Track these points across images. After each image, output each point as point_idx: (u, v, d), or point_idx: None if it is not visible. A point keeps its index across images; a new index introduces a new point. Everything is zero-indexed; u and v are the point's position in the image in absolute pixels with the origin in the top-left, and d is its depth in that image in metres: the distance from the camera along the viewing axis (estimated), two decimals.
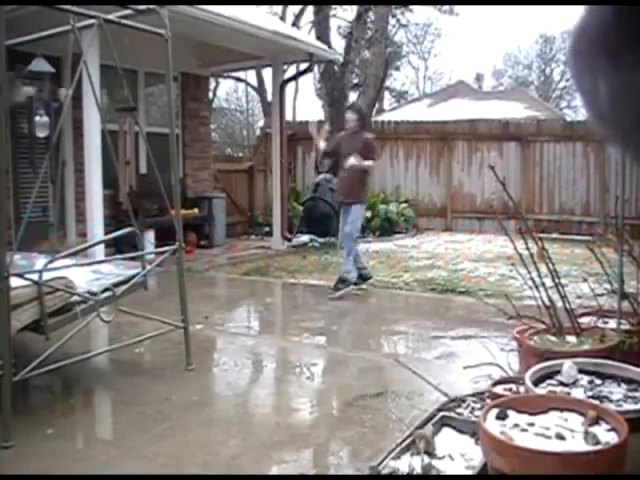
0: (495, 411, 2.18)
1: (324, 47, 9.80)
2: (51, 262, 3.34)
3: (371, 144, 6.20)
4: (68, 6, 3.56)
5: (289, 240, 9.70)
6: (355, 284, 6.30)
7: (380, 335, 4.98)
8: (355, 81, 15.15)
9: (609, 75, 0.41)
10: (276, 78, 9.62)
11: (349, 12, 18.84)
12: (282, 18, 19.23)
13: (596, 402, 2.23)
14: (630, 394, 2.35)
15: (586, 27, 0.43)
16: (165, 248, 4.15)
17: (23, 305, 3.02)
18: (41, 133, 6.20)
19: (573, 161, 11.15)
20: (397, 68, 28.67)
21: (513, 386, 2.84)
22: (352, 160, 5.91)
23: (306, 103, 42.92)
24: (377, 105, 17.79)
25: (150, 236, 7.96)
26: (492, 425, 2.09)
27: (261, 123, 22.19)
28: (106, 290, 3.53)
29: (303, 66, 10.18)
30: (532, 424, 2.10)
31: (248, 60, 9.86)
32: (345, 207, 6.25)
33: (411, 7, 22.65)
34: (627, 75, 0.40)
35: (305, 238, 10.11)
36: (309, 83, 34.55)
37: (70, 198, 7.87)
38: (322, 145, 6.33)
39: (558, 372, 2.52)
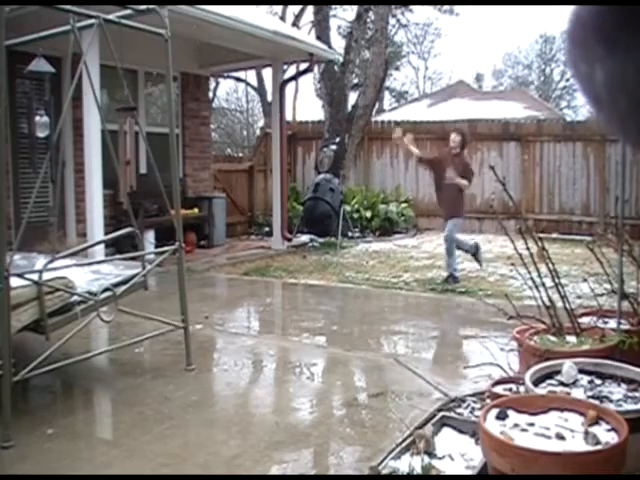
0: (495, 411, 2.18)
1: (324, 47, 9.79)
2: (51, 262, 3.34)
3: (470, 167, 7.04)
4: (68, 6, 3.56)
5: (289, 240, 9.70)
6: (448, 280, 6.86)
7: (380, 335, 4.98)
8: (355, 81, 15.14)
9: (605, 60, 0.42)
10: (276, 78, 9.62)
11: (349, 12, 18.88)
12: (282, 18, 19.24)
13: (596, 402, 2.23)
14: (630, 394, 2.35)
15: (581, 13, 0.43)
16: (165, 248, 4.15)
17: (23, 305, 3.03)
18: (41, 133, 6.19)
19: (573, 161, 11.15)
20: (397, 68, 28.67)
21: (513, 386, 2.84)
22: (455, 179, 6.62)
23: (306, 103, 42.94)
24: (377, 105, 17.77)
25: (150, 236, 7.97)
26: (492, 425, 2.09)
27: (261, 123, 22.20)
28: (106, 290, 3.53)
29: (303, 66, 10.17)
30: (532, 424, 2.10)
31: (248, 60, 9.85)
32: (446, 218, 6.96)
33: (411, 7, 22.69)
34: (622, 59, 0.41)
35: (305, 238, 10.11)
36: (309, 83, 34.58)
37: (70, 198, 7.87)
38: (416, 151, 6.95)
39: (558, 372, 2.52)
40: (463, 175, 6.72)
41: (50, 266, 3.27)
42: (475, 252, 7.27)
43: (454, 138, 6.85)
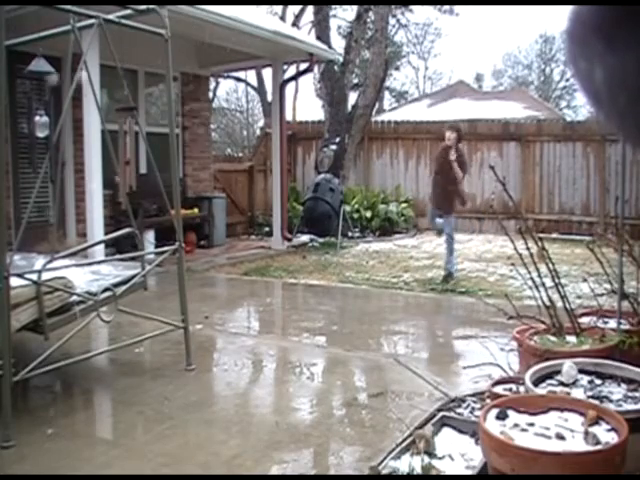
0: (495, 411, 2.18)
1: (324, 47, 9.79)
2: (50, 262, 3.34)
3: (465, 161, 7.04)
4: (68, 6, 3.56)
5: (289, 240, 9.70)
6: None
7: (380, 335, 4.98)
8: (355, 81, 15.14)
9: (604, 57, 0.42)
10: (276, 78, 9.62)
11: (349, 12, 18.88)
12: (282, 18, 19.24)
13: (596, 402, 2.23)
14: (630, 394, 2.35)
15: (581, 12, 0.44)
16: (165, 248, 4.15)
17: (22, 305, 3.02)
18: (41, 133, 6.20)
19: (573, 161, 11.15)
20: (397, 68, 28.66)
21: (513, 386, 2.84)
22: (459, 174, 6.70)
23: (306, 103, 42.97)
24: (377, 105, 17.77)
25: (150, 236, 7.97)
26: (492, 425, 2.09)
27: (261, 123, 22.20)
28: (106, 290, 3.53)
29: (303, 66, 10.17)
30: (532, 424, 2.10)
31: (248, 60, 9.85)
32: (439, 212, 6.96)
33: (411, 7, 22.68)
34: (622, 56, 0.41)
35: (305, 238, 10.11)
36: (309, 83, 34.59)
37: (70, 198, 7.87)
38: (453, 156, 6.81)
39: (558, 372, 2.52)
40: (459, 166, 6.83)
41: (49, 266, 3.27)
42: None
43: (449, 136, 6.87)
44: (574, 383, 2.45)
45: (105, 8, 3.95)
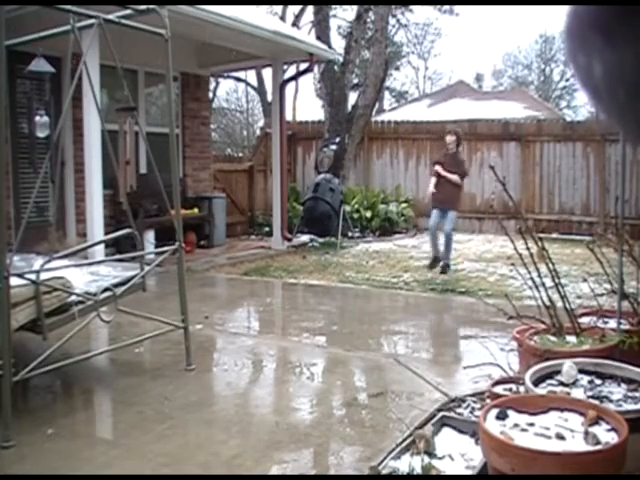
0: (495, 411, 2.18)
1: (324, 47, 9.79)
2: (48, 262, 3.34)
3: (464, 165, 7.63)
4: (68, 6, 3.56)
5: (289, 240, 9.70)
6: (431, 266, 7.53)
7: (380, 335, 4.98)
8: (355, 81, 15.14)
9: (603, 52, 0.42)
10: (276, 78, 9.61)
11: (349, 12, 18.89)
12: (282, 18, 19.25)
13: (596, 402, 2.23)
14: (630, 394, 2.35)
15: (579, 9, 0.44)
16: (165, 248, 4.15)
17: (20, 304, 3.02)
18: (41, 133, 6.20)
19: (573, 161, 11.15)
20: (397, 68, 28.67)
21: (513, 386, 2.84)
22: (455, 177, 7.27)
23: (306, 103, 42.98)
24: (377, 105, 17.77)
25: (150, 236, 7.97)
26: (492, 425, 2.09)
27: (261, 123, 22.20)
28: (105, 290, 3.53)
29: (303, 66, 10.17)
30: (532, 424, 2.10)
31: (248, 60, 9.85)
32: (441, 211, 7.36)
33: (411, 7, 22.68)
34: (620, 50, 0.41)
35: (305, 238, 10.11)
36: (309, 83, 34.59)
37: (70, 198, 7.87)
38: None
39: (558, 372, 2.52)
40: (455, 171, 7.28)
41: (48, 266, 3.26)
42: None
43: (449, 139, 7.40)
44: (574, 383, 2.45)
45: (105, 8, 3.95)
